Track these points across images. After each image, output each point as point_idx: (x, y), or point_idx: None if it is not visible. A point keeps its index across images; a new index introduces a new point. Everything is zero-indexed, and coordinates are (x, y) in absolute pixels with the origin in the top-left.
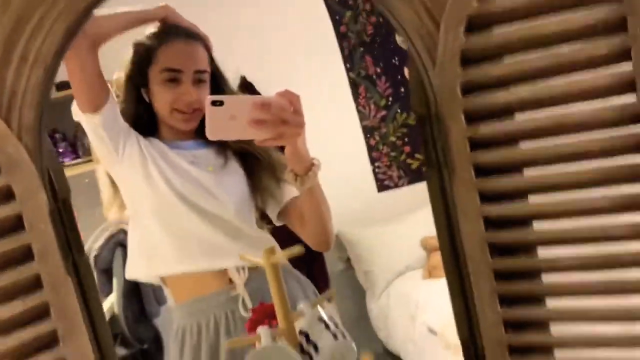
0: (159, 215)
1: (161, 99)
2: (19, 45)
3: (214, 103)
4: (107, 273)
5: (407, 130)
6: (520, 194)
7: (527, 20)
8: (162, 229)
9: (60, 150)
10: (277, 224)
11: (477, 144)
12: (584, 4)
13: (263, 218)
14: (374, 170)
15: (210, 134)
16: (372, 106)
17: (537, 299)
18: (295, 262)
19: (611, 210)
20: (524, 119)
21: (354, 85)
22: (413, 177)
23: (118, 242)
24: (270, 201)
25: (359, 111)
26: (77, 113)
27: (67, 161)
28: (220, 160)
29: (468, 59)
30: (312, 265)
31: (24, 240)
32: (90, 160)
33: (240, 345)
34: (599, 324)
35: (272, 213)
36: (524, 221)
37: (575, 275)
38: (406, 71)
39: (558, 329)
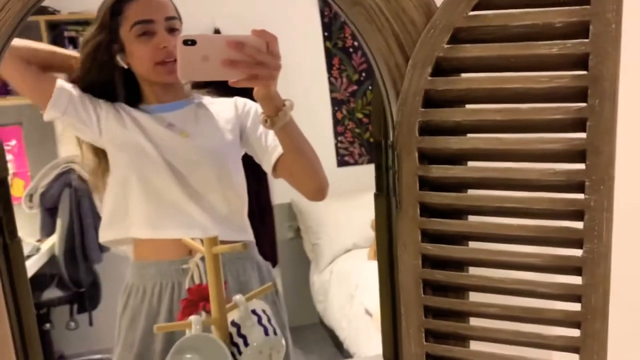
0: (135, 180)
1: (140, 55)
2: None
3: (185, 42)
4: (52, 212)
5: None
6: (461, 238)
7: (493, 72)
8: (138, 194)
9: None
10: (275, 178)
11: (426, 184)
12: (551, 68)
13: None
14: (336, 145)
15: (182, 75)
16: (344, 79)
17: (461, 339)
18: None
19: (543, 269)
20: (474, 167)
21: (328, 55)
22: (373, 156)
23: (67, 183)
24: (263, 157)
25: (330, 82)
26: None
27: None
28: (207, 114)
29: (430, 100)
30: (260, 231)
31: None
32: None
33: (170, 330)
34: None
35: (267, 168)
36: (460, 264)
37: (500, 323)
38: None
39: None
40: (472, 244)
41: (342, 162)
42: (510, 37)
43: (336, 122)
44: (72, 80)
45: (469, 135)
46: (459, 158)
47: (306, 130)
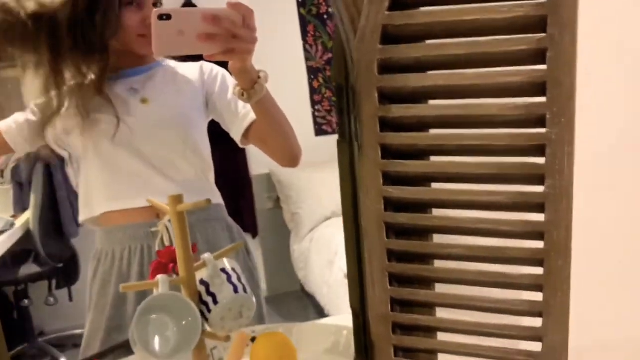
0: (94, 153)
1: (124, 25)
2: None
3: (160, 17)
4: (25, 187)
5: None
6: (422, 179)
7: (452, 4)
8: (98, 168)
9: None
10: (242, 146)
11: (387, 125)
12: None
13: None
14: (313, 114)
15: (157, 51)
16: (320, 47)
17: (426, 282)
18: (224, 198)
19: (506, 207)
20: (434, 106)
21: (303, 23)
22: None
23: (39, 157)
24: (232, 124)
25: (305, 50)
26: None
27: None
28: (170, 78)
29: (389, 36)
30: (239, 202)
31: None
32: (14, 66)
33: (137, 289)
34: (479, 314)
35: (236, 136)
36: (422, 207)
37: (465, 264)
38: None
39: (442, 312)
40: (435, 186)
41: (320, 131)
42: None
43: (312, 91)
44: None
45: (430, 72)
46: (420, 97)
47: (282, 100)
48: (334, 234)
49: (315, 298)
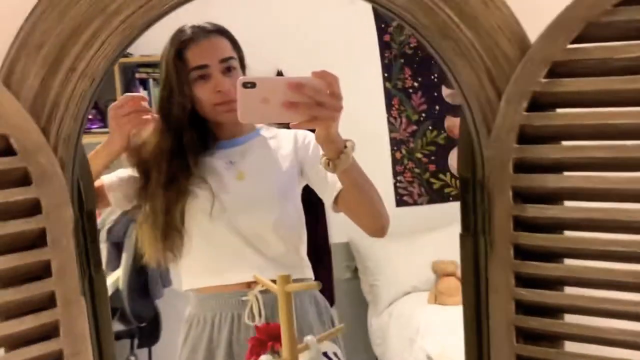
0: (193, 226)
1: (199, 98)
2: (71, 55)
3: (245, 85)
4: (118, 247)
5: (435, 148)
6: (556, 283)
7: (594, 107)
8: (197, 240)
9: (89, 117)
10: (334, 212)
11: (521, 224)
12: None
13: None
14: (395, 184)
15: (242, 117)
16: (404, 119)
17: None
18: None
19: None
20: (575, 208)
21: (388, 96)
22: (433, 196)
23: (133, 218)
24: (323, 191)
25: (389, 122)
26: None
27: (94, 128)
28: (266, 151)
29: (526, 136)
30: (317, 270)
31: (44, 256)
32: (104, 132)
33: None
34: None
35: (327, 203)
36: (555, 311)
37: None
38: (444, 90)
39: None
40: (567, 289)
41: (400, 202)
42: (611, 70)
43: (395, 162)
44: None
45: (566, 173)
46: (555, 197)
47: (365, 169)
48: (414, 311)
49: None
